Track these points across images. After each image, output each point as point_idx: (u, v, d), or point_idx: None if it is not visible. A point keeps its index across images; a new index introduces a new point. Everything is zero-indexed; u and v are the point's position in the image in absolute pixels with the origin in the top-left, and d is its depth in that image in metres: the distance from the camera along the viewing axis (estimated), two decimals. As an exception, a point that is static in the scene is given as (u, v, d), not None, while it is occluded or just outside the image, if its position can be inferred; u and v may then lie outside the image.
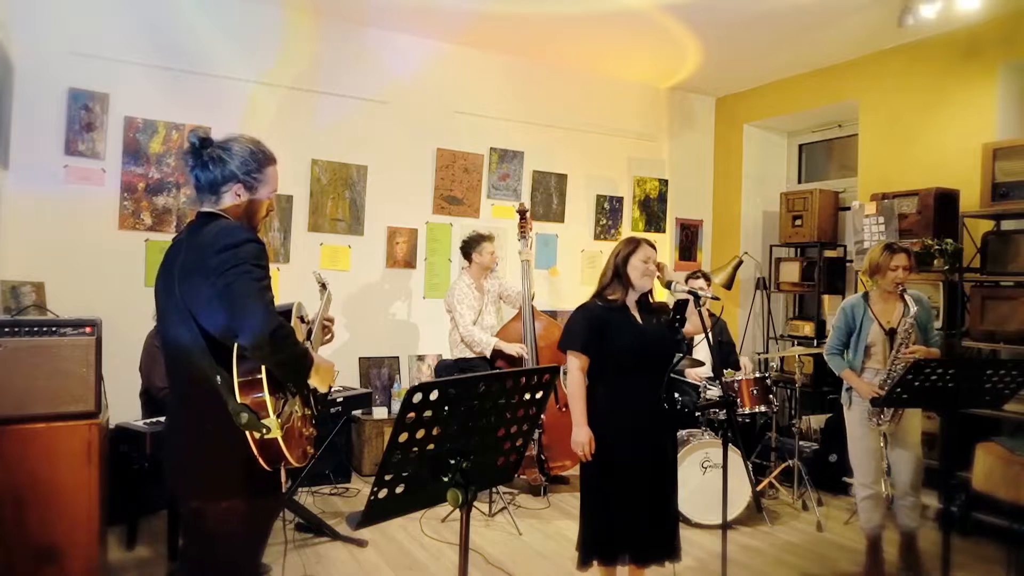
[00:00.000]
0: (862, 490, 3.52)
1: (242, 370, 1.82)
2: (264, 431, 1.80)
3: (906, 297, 3.38)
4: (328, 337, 2.37)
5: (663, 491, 2.78)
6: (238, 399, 1.80)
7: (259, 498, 1.98)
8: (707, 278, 4.83)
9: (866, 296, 3.54)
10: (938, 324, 4.16)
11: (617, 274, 2.83)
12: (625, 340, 2.74)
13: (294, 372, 1.89)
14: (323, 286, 2.62)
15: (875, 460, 3.46)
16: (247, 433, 1.81)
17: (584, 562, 2.78)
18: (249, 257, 1.85)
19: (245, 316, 1.78)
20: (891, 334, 3.39)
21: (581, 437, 2.72)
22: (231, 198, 2.01)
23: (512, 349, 4.61)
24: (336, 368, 2.15)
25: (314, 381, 1.99)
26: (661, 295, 3.16)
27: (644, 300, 2.89)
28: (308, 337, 2.20)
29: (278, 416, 1.82)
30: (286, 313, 2.10)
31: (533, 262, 4.99)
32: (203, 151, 1.99)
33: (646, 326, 2.81)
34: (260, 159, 2.05)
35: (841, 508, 4.52)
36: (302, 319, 2.21)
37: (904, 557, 3.57)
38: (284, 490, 2.08)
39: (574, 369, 2.78)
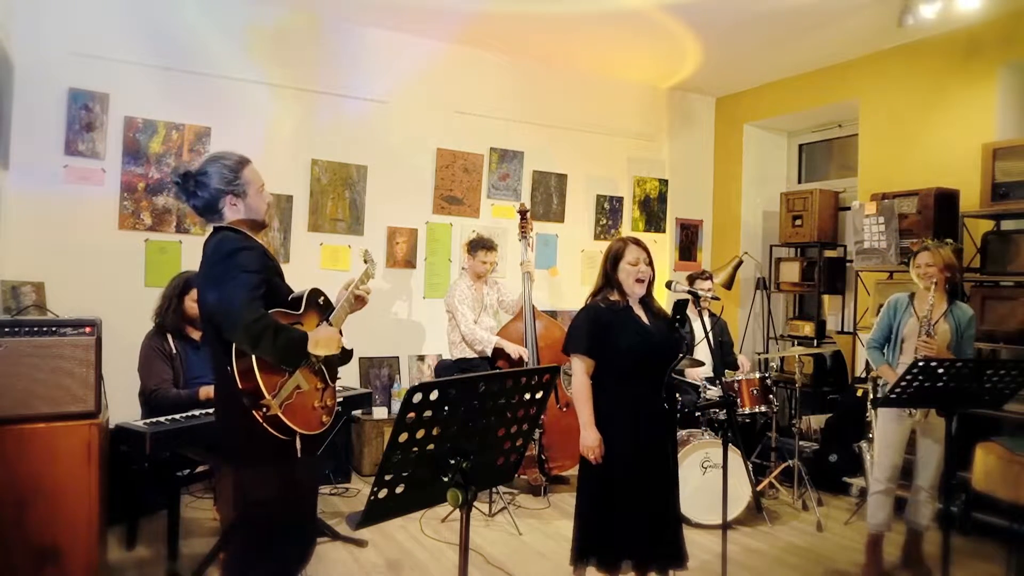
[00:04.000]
0: (876, 485, 3.53)
1: (239, 359, 2.13)
2: (264, 410, 2.12)
3: (955, 304, 3.45)
4: (360, 306, 2.59)
5: (664, 495, 2.73)
6: (239, 386, 2.12)
7: (283, 463, 2.25)
8: (712, 279, 4.83)
9: (913, 295, 3.59)
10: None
11: (608, 279, 2.78)
12: (630, 341, 2.68)
13: (281, 358, 2.17)
14: (365, 260, 2.87)
15: (896, 458, 3.49)
16: (253, 412, 2.13)
17: (578, 562, 2.71)
18: (241, 264, 2.13)
19: (226, 316, 2.09)
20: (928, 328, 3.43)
21: (590, 441, 2.65)
22: (230, 210, 2.28)
23: (513, 350, 4.61)
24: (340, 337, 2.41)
25: (318, 351, 2.27)
26: (662, 296, 3.15)
27: (647, 300, 2.82)
28: (326, 317, 2.45)
29: (274, 395, 2.14)
30: (297, 300, 2.37)
31: (534, 272, 4.96)
32: (185, 184, 2.26)
33: (651, 327, 2.75)
34: (233, 166, 2.29)
35: (841, 508, 4.52)
36: (318, 304, 2.45)
37: (907, 555, 3.58)
38: (300, 456, 2.32)
39: (579, 372, 2.72)
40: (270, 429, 2.15)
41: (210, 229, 2.35)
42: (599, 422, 2.69)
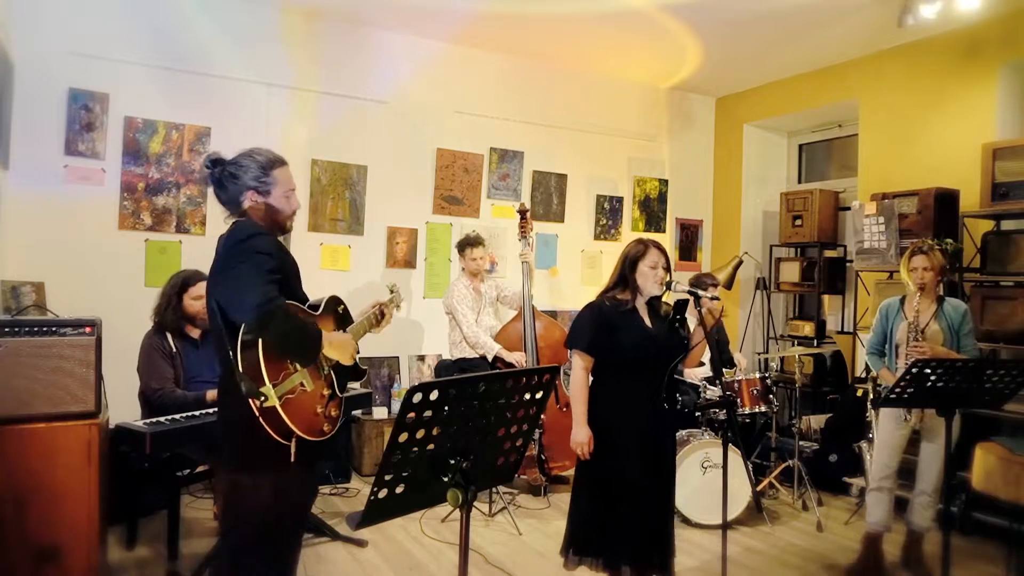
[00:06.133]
0: (873, 483, 3.55)
1: (243, 343, 2.02)
2: (262, 399, 1.99)
3: (945, 301, 3.45)
4: (379, 326, 2.61)
5: (663, 495, 2.75)
6: (240, 367, 2.00)
7: (277, 471, 2.13)
8: (716, 284, 4.81)
9: (903, 298, 3.60)
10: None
11: (624, 278, 2.79)
12: (632, 342, 2.70)
13: (290, 345, 2.08)
14: (390, 291, 2.92)
15: (894, 458, 3.50)
16: (250, 403, 2.00)
17: (571, 556, 2.71)
18: (256, 248, 2.07)
19: (239, 294, 2.00)
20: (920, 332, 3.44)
21: (580, 437, 2.69)
22: (251, 206, 2.25)
23: (514, 359, 4.62)
24: (355, 347, 2.34)
25: (331, 353, 2.21)
26: (667, 296, 3.14)
27: (654, 302, 2.83)
28: (344, 327, 2.41)
29: (275, 384, 2.01)
30: (315, 305, 2.33)
31: (533, 263, 4.98)
32: (214, 170, 2.23)
33: (655, 329, 2.76)
34: (265, 164, 2.25)
35: (841, 508, 4.51)
36: (337, 311, 2.42)
37: (907, 556, 3.57)
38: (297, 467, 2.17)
39: (578, 368, 2.75)
40: (265, 426, 2.02)
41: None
42: (599, 420, 2.71)
